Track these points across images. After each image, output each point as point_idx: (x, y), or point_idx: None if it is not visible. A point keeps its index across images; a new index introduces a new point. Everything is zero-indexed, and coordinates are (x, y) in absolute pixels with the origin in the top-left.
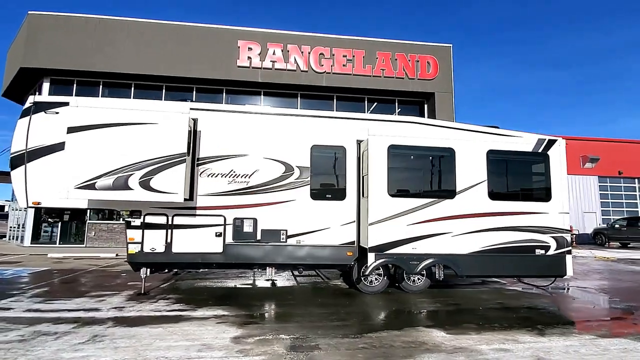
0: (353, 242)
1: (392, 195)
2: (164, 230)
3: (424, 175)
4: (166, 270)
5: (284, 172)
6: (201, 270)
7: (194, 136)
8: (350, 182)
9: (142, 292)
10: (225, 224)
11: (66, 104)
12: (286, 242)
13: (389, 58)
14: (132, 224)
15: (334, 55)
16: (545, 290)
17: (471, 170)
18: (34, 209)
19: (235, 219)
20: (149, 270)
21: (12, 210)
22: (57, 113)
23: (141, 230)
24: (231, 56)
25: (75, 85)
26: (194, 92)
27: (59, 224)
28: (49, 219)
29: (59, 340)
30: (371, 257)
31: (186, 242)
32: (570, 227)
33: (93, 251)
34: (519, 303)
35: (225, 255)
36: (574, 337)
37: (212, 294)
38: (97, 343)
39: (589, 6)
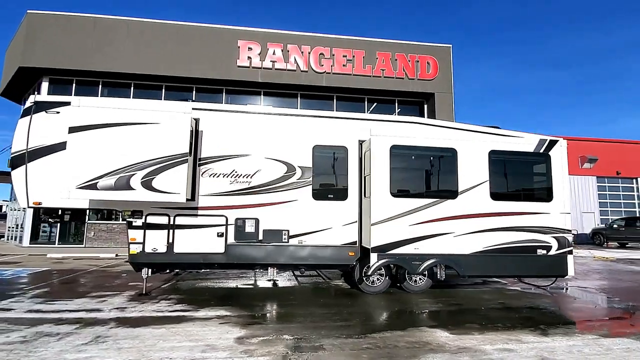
0: (355, 243)
1: (395, 196)
2: (166, 231)
3: (426, 175)
4: (168, 271)
5: (285, 172)
6: (202, 270)
7: (195, 136)
8: (352, 182)
9: (144, 292)
10: (227, 224)
11: (68, 103)
12: (288, 242)
13: (389, 58)
14: (134, 224)
15: (334, 55)
16: (546, 290)
17: (473, 170)
18: (32, 209)
19: (237, 219)
20: (150, 270)
21: (11, 210)
22: (58, 113)
23: (143, 231)
24: (231, 56)
25: (74, 84)
26: (194, 92)
27: (58, 224)
28: (50, 219)
29: (61, 341)
30: (374, 257)
31: (188, 243)
32: None
33: (92, 251)
34: (521, 303)
35: (227, 255)
36: (577, 337)
37: (214, 294)
38: (100, 344)
39: (589, 6)
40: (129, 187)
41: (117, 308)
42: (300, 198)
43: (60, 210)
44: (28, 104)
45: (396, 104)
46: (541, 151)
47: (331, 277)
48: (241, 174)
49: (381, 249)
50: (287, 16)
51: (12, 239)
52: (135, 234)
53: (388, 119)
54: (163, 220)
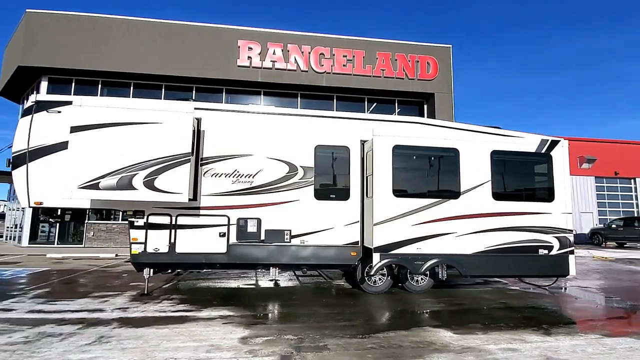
0: (357, 242)
1: (397, 196)
2: (168, 231)
3: (429, 175)
4: (169, 271)
5: (287, 172)
6: (204, 270)
7: (197, 136)
8: (354, 182)
9: (146, 292)
10: (229, 224)
11: (69, 103)
12: (290, 242)
13: (389, 58)
14: (136, 224)
15: (334, 55)
16: (546, 290)
17: (475, 170)
18: (31, 209)
19: (239, 219)
20: (152, 270)
21: (9, 210)
22: (59, 112)
23: (144, 231)
24: (231, 56)
25: (73, 84)
26: (194, 91)
27: (57, 225)
28: (50, 219)
29: (64, 341)
30: (376, 257)
31: (190, 242)
32: None
33: (92, 251)
34: (523, 303)
35: (229, 255)
36: (580, 336)
37: (216, 294)
38: (103, 344)
39: (589, 6)
40: (131, 187)
41: (119, 308)
42: (303, 198)
43: (59, 211)
44: (29, 103)
45: (396, 104)
46: (543, 151)
47: (332, 276)
48: (243, 174)
49: (384, 249)
50: (287, 16)
51: (10, 239)
52: (137, 234)
53: (390, 119)
54: (165, 220)
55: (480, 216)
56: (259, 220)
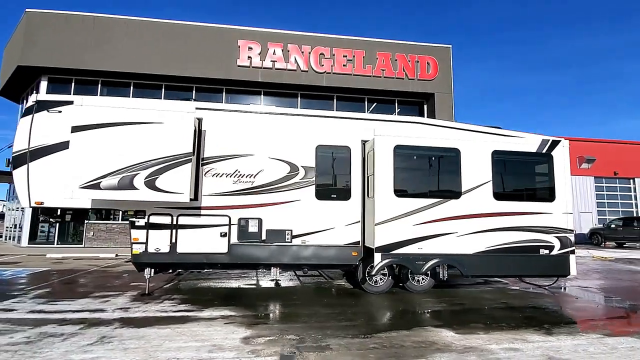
0: (358, 242)
1: (398, 196)
2: (169, 231)
3: (430, 175)
4: (170, 271)
5: (289, 172)
6: (204, 270)
7: (198, 136)
8: (355, 182)
9: (147, 292)
10: (230, 224)
11: (70, 102)
12: (291, 242)
13: (389, 58)
14: (137, 224)
15: (334, 55)
16: (547, 289)
17: (476, 170)
18: (31, 209)
19: (240, 219)
20: (153, 270)
21: (9, 210)
22: (60, 112)
23: (145, 231)
24: (231, 55)
25: (73, 83)
26: (194, 91)
27: (57, 225)
28: (51, 219)
29: (66, 341)
30: (378, 257)
31: (191, 242)
32: None
33: (92, 251)
34: (524, 303)
35: (230, 255)
36: (581, 336)
37: (217, 294)
38: (105, 344)
39: (589, 7)
40: (132, 187)
41: (120, 308)
42: (304, 198)
43: (59, 211)
44: (30, 103)
45: (396, 104)
46: (543, 151)
47: (333, 276)
48: (244, 174)
49: (385, 249)
50: (287, 16)
51: (10, 239)
52: (138, 234)
53: (392, 119)
54: (166, 220)
55: (482, 216)
56: (260, 220)
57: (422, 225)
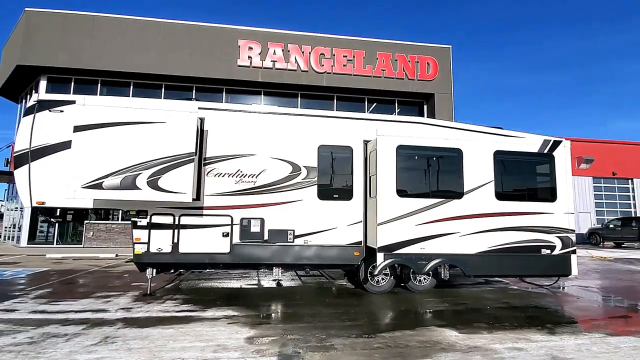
0: (360, 242)
1: (401, 196)
2: (171, 230)
3: (432, 175)
4: (172, 271)
5: (291, 172)
6: (206, 270)
7: (200, 136)
8: (357, 182)
9: (149, 292)
10: (232, 224)
11: (72, 102)
12: (293, 242)
13: (389, 59)
14: (139, 224)
15: (334, 55)
16: (547, 289)
17: (478, 170)
18: (30, 209)
19: (242, 219)
20: (155, 270)
21: (8, 210)
22: (62, 111)
23: (148, 230)
24: (232, 55)
25: (72, 83)
26: (194, 91)
27: (57, 225)
28: (51, 219)
29: (70, 342)
30: (380, 257)
31: (193, 242)
32: None
33: (92, 251)
34: (525, 302)
35: (232, 255)
36: (584, 335)
37: (219, 294)
38: (109, 344)
39: (589, 7)
40: (134, 187)
41: (123, 308)
42: (306, 198)
43: (59, 211)
44: (31, 102)
45: (396, 104)
46: (545, 152)
47: (334, 276)
48: (246, 174)
49: (387, 249)
50: (287, 16)
51: (9, 239)
52: (140, 234)
53: (394, 119)
54: (168, 220)
55: (484, 216)
56: (262, 220)
57: (425, 225)
